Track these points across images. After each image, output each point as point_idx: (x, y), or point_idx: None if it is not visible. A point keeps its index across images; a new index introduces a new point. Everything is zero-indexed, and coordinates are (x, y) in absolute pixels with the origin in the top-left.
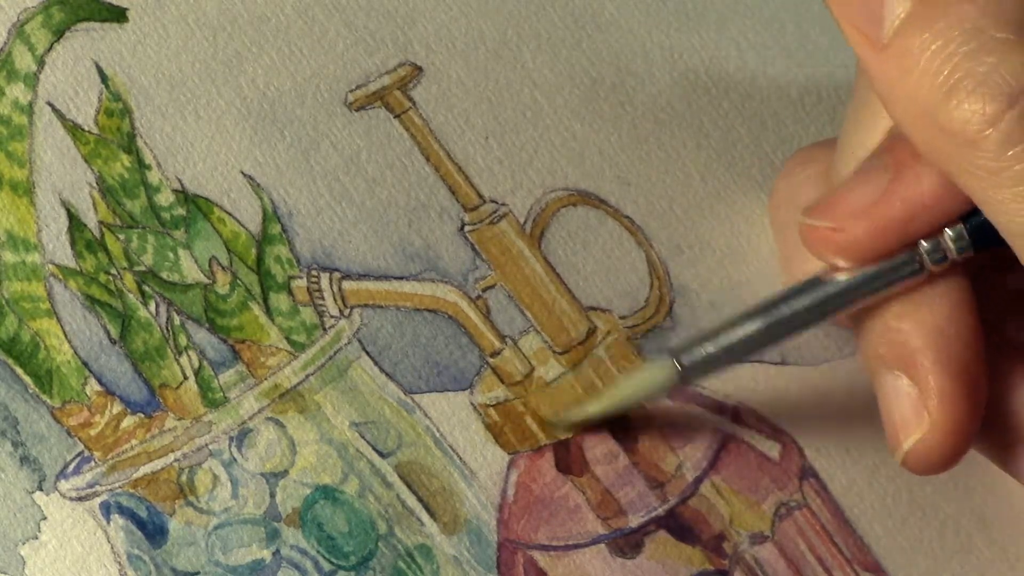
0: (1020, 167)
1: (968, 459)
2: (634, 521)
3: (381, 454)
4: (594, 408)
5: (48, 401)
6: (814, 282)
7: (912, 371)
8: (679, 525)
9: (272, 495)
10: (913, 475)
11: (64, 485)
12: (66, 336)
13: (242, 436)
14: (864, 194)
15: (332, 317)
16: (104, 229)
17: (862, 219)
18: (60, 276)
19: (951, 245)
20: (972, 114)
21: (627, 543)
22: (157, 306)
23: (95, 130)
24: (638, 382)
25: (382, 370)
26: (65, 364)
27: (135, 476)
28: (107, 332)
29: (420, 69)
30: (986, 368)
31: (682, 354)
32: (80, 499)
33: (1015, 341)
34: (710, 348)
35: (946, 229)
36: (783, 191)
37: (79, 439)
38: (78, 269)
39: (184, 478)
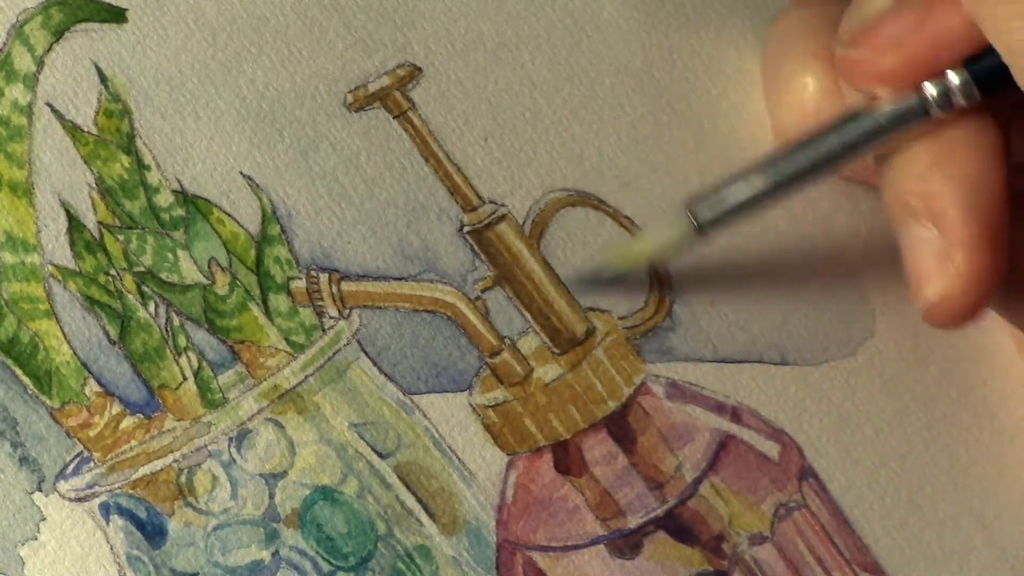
0: None
1: (968, 459)
2: (633, 522)
3: (380, 455)
4: (611, 264)
5: (47, 402)
6: (829, 127)
7: (939, 220)
8: (678, 526)
9: (271, 496)
10: (913, 477)
11: (63, 486)
12: (65, 337)
13: (241, 437)
14: (898, 27)
15: (331, 318)
16: (103, 230)
17: (897, 49)
18: (59, 277)
19: (965, 80)
20: None
21: (626, 544)
22: (156, 307)
23: (94, 131)
24: (655, 238)
25: (381, 371)
26: (64, 365)
27: (134, 477)
28: (106, 333)
29: (419, 70)
30: (1009, 220)
31: (697, 207)
32: (79, 500)
33: None
34: (726, 199)
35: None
36: (776, 43)
37: (78, 440)
38: (77, 270)
39: (183, 479)
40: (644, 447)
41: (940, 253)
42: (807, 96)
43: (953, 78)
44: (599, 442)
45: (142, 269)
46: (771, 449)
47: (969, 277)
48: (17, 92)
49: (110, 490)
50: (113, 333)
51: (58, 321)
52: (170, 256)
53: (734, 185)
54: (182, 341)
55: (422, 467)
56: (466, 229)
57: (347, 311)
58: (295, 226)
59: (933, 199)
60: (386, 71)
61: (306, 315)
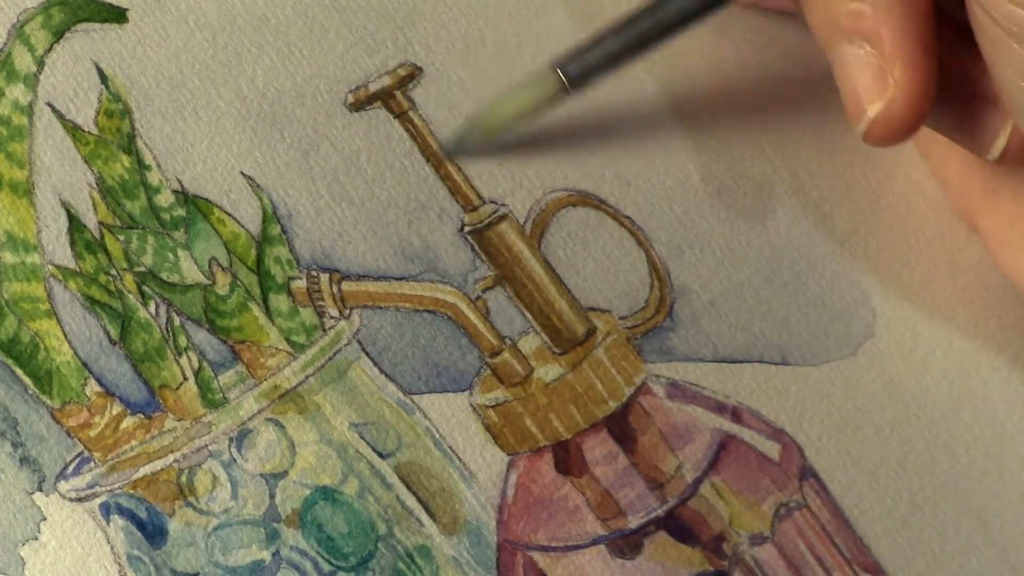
0: None
1: (968, 459)
2: (633, 522)
3: (381, 455)
4: (482, 124)
5: (48, 402)
6: None
7: (873, 38)
8: (679, 526)
9: (272, 496)
10: (913, 477)
11: (64, 486)
12: (66, 337)
13: (242, 437)
14: None
15: (332, 318)
16: (104, 230)
17: None
18: (60, 277)
19: None
20: None
21: (626, 544)
22: (157, 307)
23: (95, 131)
24: (522, 91)
25: (382, 371)
26: (65, 365)
27: (135, 477)
28: (107, 333)
29: (420, 70)
30: (936, 32)
31: (564, 66)
32: (80, 500)
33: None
34: (590, 55)
35: None
36: None
37: (79, 440)
38: (78, 270)
39: (184, 479)
40: (645, 447)
41: (877, 70)
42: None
43: None
44: (600, 442)
45: (143, 269)
46: (772, 449)
47: (909, 91)
48: (18, 92)
49: (111, 490)
50: (114, 333)
51: (59, 321)
52: (171, 256)
53: (599, 42)
54: (183, 341)
55: (423, 467)
56: (467, 229)
57: (348, 311)
58: (296, 226)
59: (865, 17)
60: (387, 71)
61: (307, 315)
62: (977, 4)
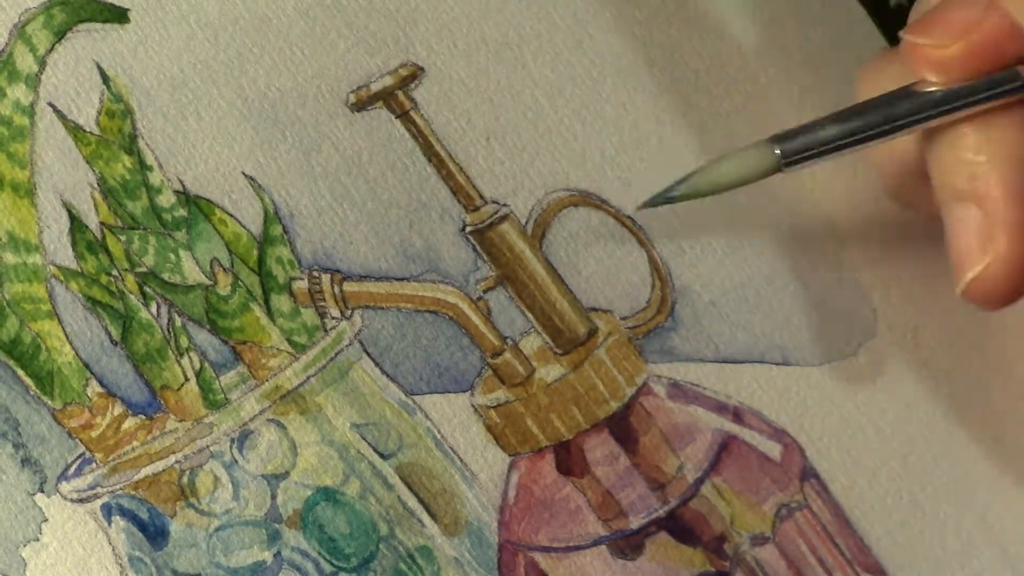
0: None
1: (969, 459)
2: (635, 522)
3: (382, 456)
4: (688, 186)
5: (49, 403)
6: (907, 91)
7: (983, 201)
8: (680, 526)
9: (273, 497)
10: (914, 477)
11: (65, 487)
12: (67, 338)
13: (243, 438)
14: (964, 15)
15: (333, 318)
16: (105, 230)
17: (961, 37)
18: (61, 277)
19: None
20: None
21: (628, 544)
22: (158, 307)
23: (96, 131)
24: (737, 162)
25: (383, 371)
26: (66, 366)
27: (136, 478)
28: (108, 334)
29: (421, 70)
30: None
31: (782, 140)
32: (81, 501)
33: None
34: (809, 136)
35: None
36: (866, 90)
37: (80, 441)
38: (79, 270)
39: (185, 480)
40: (646, 447)
41: (982, 233)
42: (915, 167)
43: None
44: (601, 442)
45: (144, 270)
46: (773, 449)
47: (1010, 258)
48: (19, 92)
49: (112, 491)
50: (115, 334)
51: (60, 322)
52: (172, 256)
53: (817, 127)
54: (184, 342)
55: (424, 468)
56: (468, 229)
57: (349, 311)
58: (297, 226)
59: (978, 179)
60: (388, 71)
61: (308, 316)
62: None
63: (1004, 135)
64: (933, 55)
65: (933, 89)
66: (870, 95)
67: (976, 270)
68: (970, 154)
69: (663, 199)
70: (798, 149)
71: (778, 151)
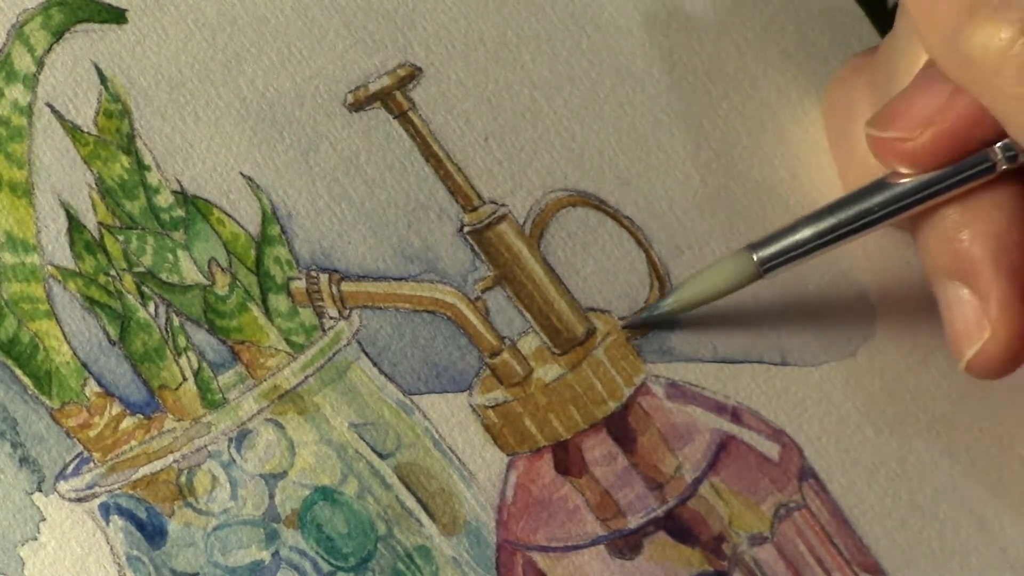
0: None
1: (968, 459)
2: (633, 522)
3: (380, 455)
4: (672, 302)
5: (47, 402)
6: (881, 184)
7: (973, 280)
8: (678, 526)
9: (271, 496)
10: (913, 477)
11: (63, 486)
12: (65, 337)
13: (241, 437)
14: (928, 103)
15: (331, 318)
16: (103, 230)
17: (928, 127)
18: (59, 277)
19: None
20: (990, 38)
21: (626, 544)
22: (156, 307)
23: (94, 131)
24: (718, 274)
25: (381, 371)
26: (64, 365)
27: (134, 477)
28: (106, 333)
29: (420, 70)
30: None
31: (759, 247)
32: (79, 500)
33: None
34: (785, 241)
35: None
36: (837, 99)
37: (78, 440)
38: (77, 270)
39: (183, 479)
40: (644, 447)
41: (975, 311)
42: (867, 171)
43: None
44: (599, 442)
45: (142, 269)
46: (771, 449)
47: (1006, 335)
48: (17, 92)
49: (110, 490)
50: (113, 333)
51: (58, 321)
52: (170, 256)
53: (792, 231)
54: (182, 341)
55: (422, 467)
56: (466, 229)
57: (347, 311)
58: (295, 226)
59: (966, 259)
60: (386, 71)
61: (306, 315)
62: None
63: (985, 214)
64: (902, 147)
65: (905, 180)
66: (839, 105)
67: (975, 348)
68: (956, 235)
69: (649, 318)
70: (776, 255)
71: (756, 258)
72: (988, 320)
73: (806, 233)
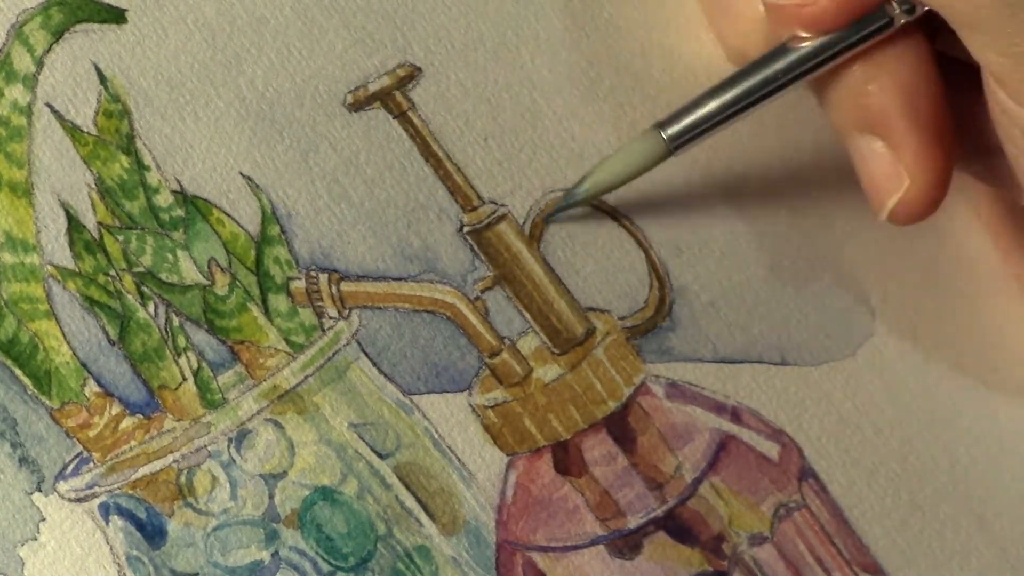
0: None
1: (968, 459)
2: (633, 522)
3: (380, 455)
4: (586, 187)
5: (47, 402)
6: (782, 49)
7: (886, 132)
8: (678, 526)
9: (271, 496)
10: (913, 477)
11: (63, 486)
12: (65, 337)
13: (241, 437)
14: None
15: (331, 318)
16: (103, 230)
17: None
18: (59, 277)
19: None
20: None
21: (626, 544)
22: (156, 307)
23: (94, 131)
24: (628, 154)
25: (381, 371)
26: (64, 365)
27: (134, 477)
28: (106, 333)
29: (419, 70)
30: (950, 115)
31: (666, 125)
32: (79, 500)
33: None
34: (692, 116)
35: None
36: None
37: (78, 440)
38: (77, 270)
39: (183, 479)
40: (644, 447)
41: (891, 162)
42: (757, 20)
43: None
44: (599, 442)
45: (142, 269)
46: (771, 449)
47: (923, 182)
48: (17, 92)
49: (110, 490)
50: (113, 333)
51: (58, 321)
52: (170, 256)
53: (697, 105)
54: (182, 341)
55: (422, 467)
56: (466, 229)
57: (347, 311)
58: (295, 226)
59: (876, 111)
60: (386, 71)
61: (306, 315)
62: (1004, 114)
63: (891, 67)
64: (802, 13)
65: (807, 45)
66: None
67: (896, 198)
68: (863, 88)
69: (566, 205)
70: (684, 130)
71: (664, 136)
72: (905, 169)
73: (711, 106)
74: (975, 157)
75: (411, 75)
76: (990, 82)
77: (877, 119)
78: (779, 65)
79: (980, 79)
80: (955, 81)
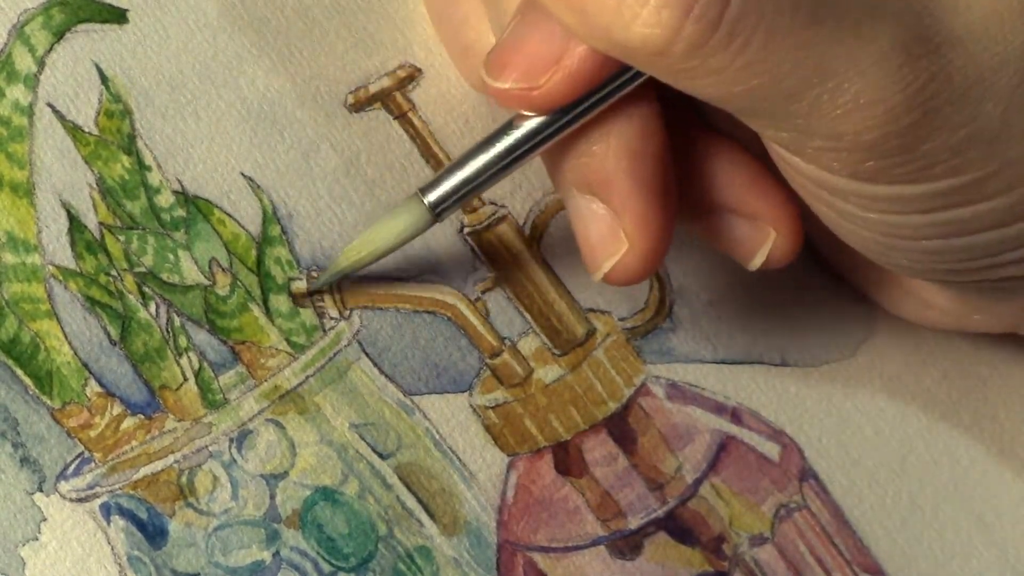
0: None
1: (968, 459)
2: (633, 523)
3: (381, 456)
4: (348, 261)
5: (48, 402)
6: (511, 124)
7: (606, 194)
8: (678, 527)
9: (272, 496)
10: (913, 477)
11: (64, 486)
12: (66, 337)
13: (242, 437)
14: (544, 46)
15: (332, 319)
16: (104, 230)
17: (550, 72)
18: (60, 277)
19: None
20: (652, 28)
21: (626, 545)
22: (157, 307)
23: (95, 131)
24: (392, 226)
25: (382, 372)
26: (65, 365)
27: (135, 477)
28: (107, 333)
29: (420, 71)
30: (675, 181)
31: (427, 191)
32: (80, 500)
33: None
34: (451, 182)
35: None
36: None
37: (79, 440)
38: (78, 270)
39: (184, 479)
40: (644, 448)
41: (609, 224)
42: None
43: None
44: (599, 443)
45: (143, 270)
46: (772, 450)
47: (640, 246)
48: (18, 92)
49: (111, 491)
50: (114, 333)
51: (59, 321)
52: (171, 256)
53: (454, 169)
54: (183, 342)
55: (423, 468)
56: (466, 230)
57: (348, 312)
58: (296, 227)
59: (599, 173)
60: (387, 72)
61: (307, 316)
62: (800, 175)
63: (617, 129)
64: (527, 97)
65: (533, 120)
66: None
67: (612, 261)
68: (588, 149)
69: (326, 280)
70: (446, 196)
71: (426, 203)
72: (624, 232)
73: (468, 172)
74: (697, 216)
75: (412, 76)
76: (782, 152)
77: (599, 181)
78: (510, 141)
79: (706, 138)
80: (680, 141)
